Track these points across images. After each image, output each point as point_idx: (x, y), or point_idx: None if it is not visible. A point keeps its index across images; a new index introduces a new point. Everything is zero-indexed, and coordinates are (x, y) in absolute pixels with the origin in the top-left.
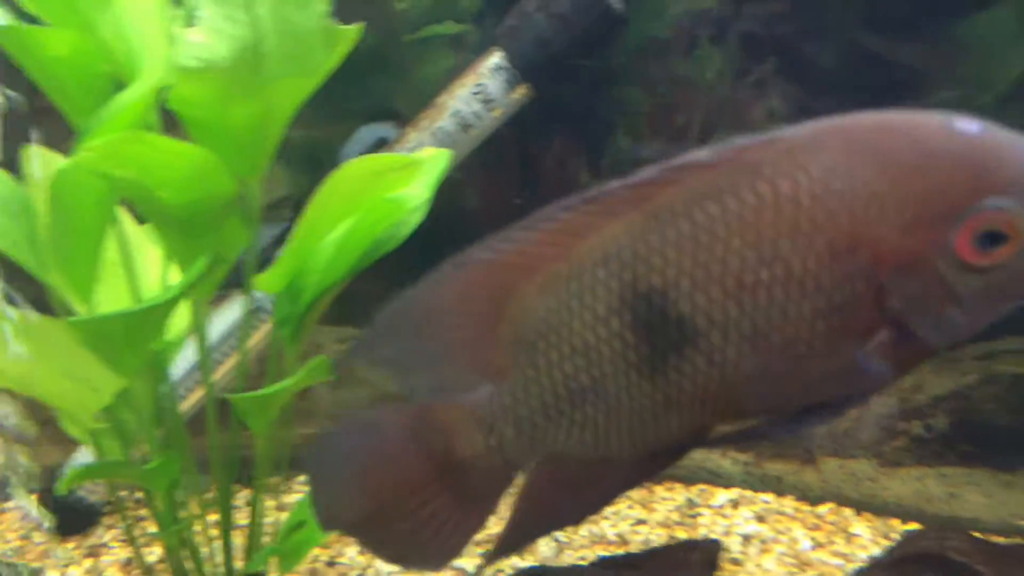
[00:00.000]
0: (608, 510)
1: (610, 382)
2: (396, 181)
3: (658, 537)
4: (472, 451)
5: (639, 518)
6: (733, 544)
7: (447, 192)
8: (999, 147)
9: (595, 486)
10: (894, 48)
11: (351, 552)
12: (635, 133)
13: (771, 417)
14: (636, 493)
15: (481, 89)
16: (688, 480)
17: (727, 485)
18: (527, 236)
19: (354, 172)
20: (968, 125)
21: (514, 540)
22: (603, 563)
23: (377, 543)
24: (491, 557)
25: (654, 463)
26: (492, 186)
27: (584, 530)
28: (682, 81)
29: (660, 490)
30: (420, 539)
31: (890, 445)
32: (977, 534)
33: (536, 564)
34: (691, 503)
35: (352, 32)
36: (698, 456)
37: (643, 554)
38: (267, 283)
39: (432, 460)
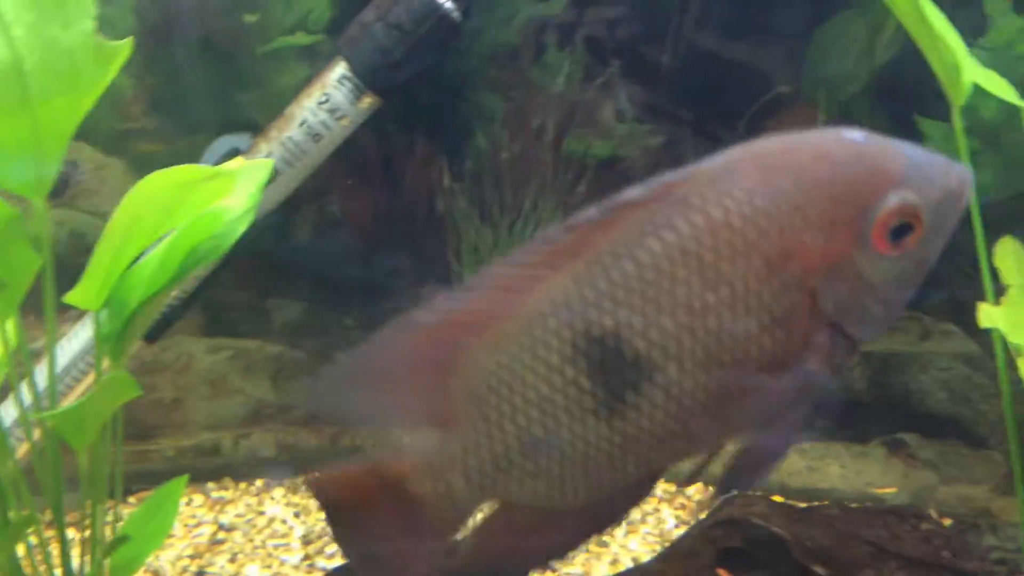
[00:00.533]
0: None
1: (564, 430)
2: (213, 192)
3: None
4: (421, 497)
5: None
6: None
7: (312, 202)
8: (884, 148)
9: (551, 532)
10: (730, 48)
11: (221, 560)
12: (492, 137)
13: (730, 465)
14: None
15: (327, 99)
16: None
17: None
18: (472, 295)
19: (161, 183)
20: (854, 135)
21: None
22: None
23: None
24: None
25: (612, 507)
26: (356, 193)
27: None
28: (533, 85)
29: None
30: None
31: None
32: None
33: None
34: None
35: (124, 47)
36: None
37: None
38: (82, 299)
39: (387, 507)
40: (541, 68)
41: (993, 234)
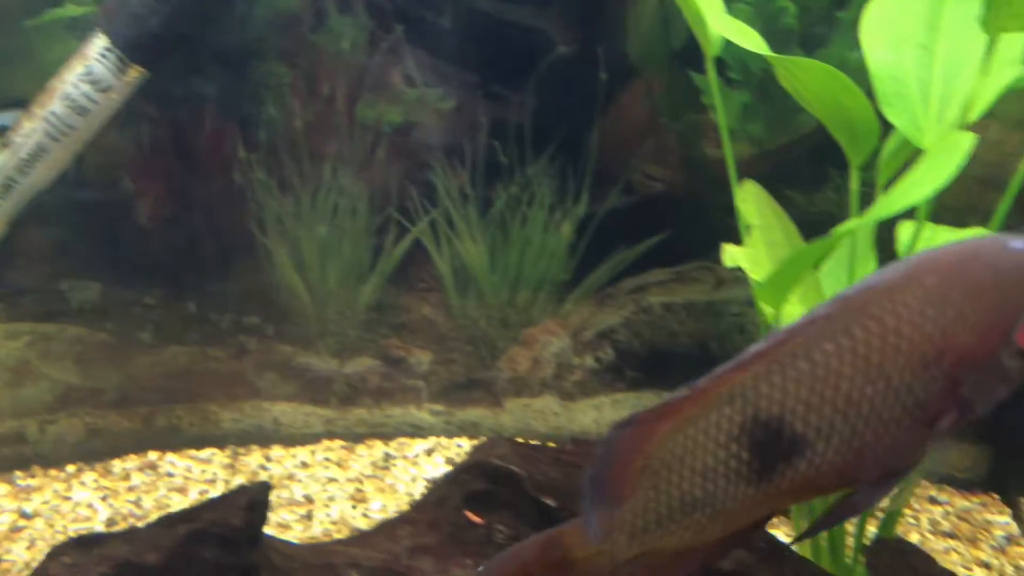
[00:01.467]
0: (301, 472)
1: (720, 492)
2: None
3: (344, 492)
4: (584, 559)
5: (332, 477)
6: (418, 490)
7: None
8: None
9: (683, 564)
10: (510, 11)
11: (18, 548)
12: (284, 105)
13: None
14: (335, 453)
15: (89, 72)
16: (389, 436)
17: (427, 436)
18: (678, 397)
19: None
20: (1020, 243)
21: None
22: (161, 520)
23: None
24: None
25: (737, 538)
26: (148, 169)
27: (273, 495)
28: (319, 52)
29: (360, 447)
30: None
31: (569, 380)
32: None
33: None
34: (388, 456)
35: None
36: (399, 411)
37: (196, 508)
38: None
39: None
40: (325, 34)
41: (781, 183)
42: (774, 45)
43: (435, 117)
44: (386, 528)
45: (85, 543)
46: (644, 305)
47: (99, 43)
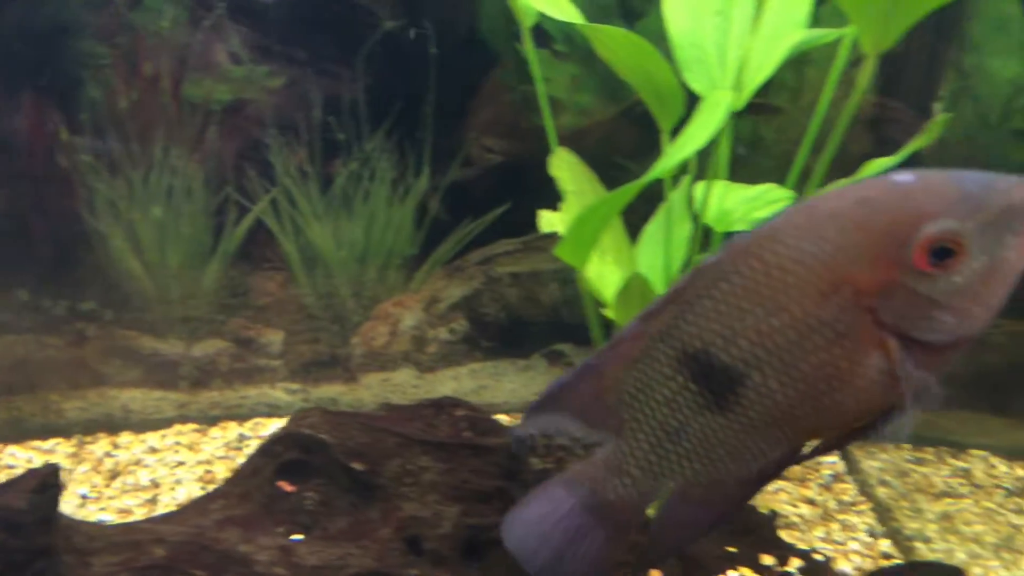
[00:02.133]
0: (150, 457)
1: (692, 422)
2: None
3: (193, 475)
4: (614, 494)
5: (181, 460)
6: None
7: None
8: (927, 185)
9: (716, 502)
10: None
11: None
12: (105, 85)
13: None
14: (186, 437)
15: None
16: (245, 417)
17: (284, 415)
18: (615, 344)
19: None
20: (904, 176)
21: (656, 554)
22: None
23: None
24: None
25: (761, 476)
26: None
27: (118, 481)
28: (138, 30)
29: (214, 430)
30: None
31: (424, 352)
32: (504, 415)
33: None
34: (242, 437)
35: None
36: (254, 392)
37: None
38: None
39: (586, 508)
40: (143, 12)
41: (614, 151)
42: (595, 16)
43: (266, 95)
44: (198, 503)
45: None
46: (493, 276)
47: None
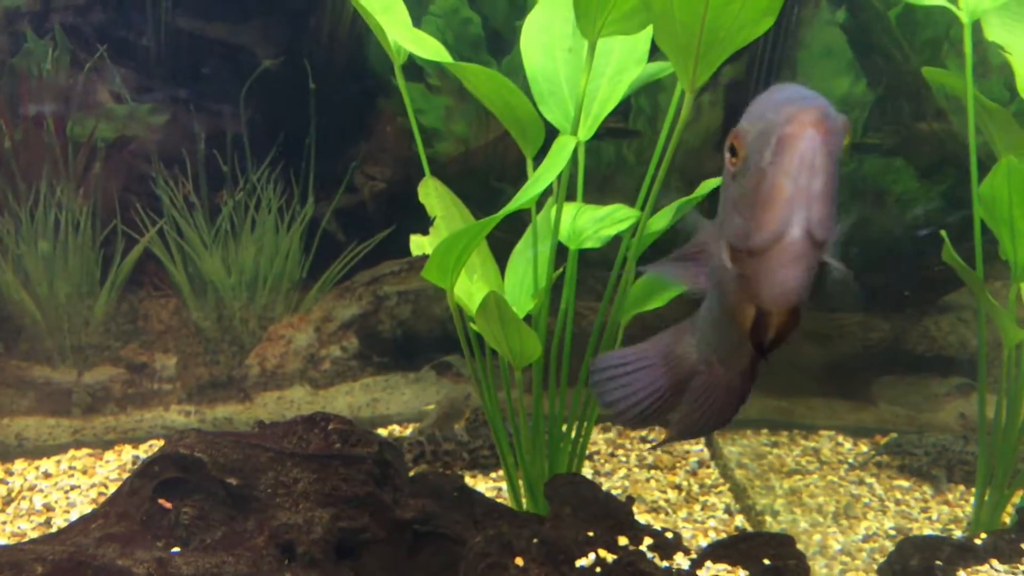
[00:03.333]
0: (44, 483)
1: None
2: None
3: (87, 498)
4: (682, 350)
5: (75, 484)
6: None
7: None
8: (771, 93)
9: (731, 389)
10: (208, 28)
11: None
12: None
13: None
14: (80, 462)
15: None
16: (141, 439)
17: None
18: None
19: None
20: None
21: (681, 430)
22: None
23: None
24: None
25: (748, 376)
26: None
27: (11, 507)
28: (21, 73)
29: (109, 454)
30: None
31: (318, 370)
32: (397, 426)
33: None
34: (136, 459)
35: None
36: (149, 415)
37: None
38: None
39: (661, 355)
40: (24, 56)
41: (491, 175)
42: (465, 53)
43: (150, 131)
44: (79, 524)
45: None
46: (380, 295)
47: None
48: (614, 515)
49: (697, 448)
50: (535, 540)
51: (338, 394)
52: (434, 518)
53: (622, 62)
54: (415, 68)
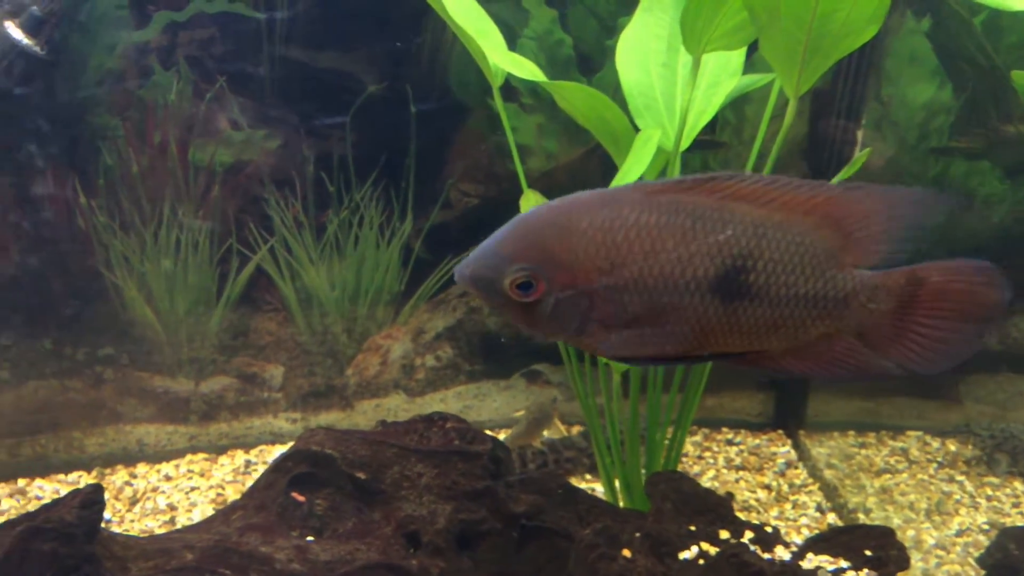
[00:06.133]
0: (166, 484)
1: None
2: None
3: (207, 498)
4: None
5: (194, 486)
6: None
7: None
8: None
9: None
10: (318, 57)
11: None
12: (119, 154)
13: None
14: (198, 465)
15: None
16: (251, 445)
17: (286, 441)
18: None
19: None
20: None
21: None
22: (5, 524)
23: None
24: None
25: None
26: None
27: (138, 507)
28: (148, 104)
29: (223, 458)
30: None
31: (413, 379)
32: (489, 432)
33: None
34: (249, 463)
35: None
36: (258, 422)
37: (36, 510)
38: None
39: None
40: (152, 88)
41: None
42: (557, 73)
43: (264, 155)
44: (220, 515)
45: None
46: (473, 306)
47: None
48: (714, 509)
49: (784, 450)
50: (638, 534)
51: (432, 401)
52: (543, 512)
53: (715, 75)
54: (507, 89)
